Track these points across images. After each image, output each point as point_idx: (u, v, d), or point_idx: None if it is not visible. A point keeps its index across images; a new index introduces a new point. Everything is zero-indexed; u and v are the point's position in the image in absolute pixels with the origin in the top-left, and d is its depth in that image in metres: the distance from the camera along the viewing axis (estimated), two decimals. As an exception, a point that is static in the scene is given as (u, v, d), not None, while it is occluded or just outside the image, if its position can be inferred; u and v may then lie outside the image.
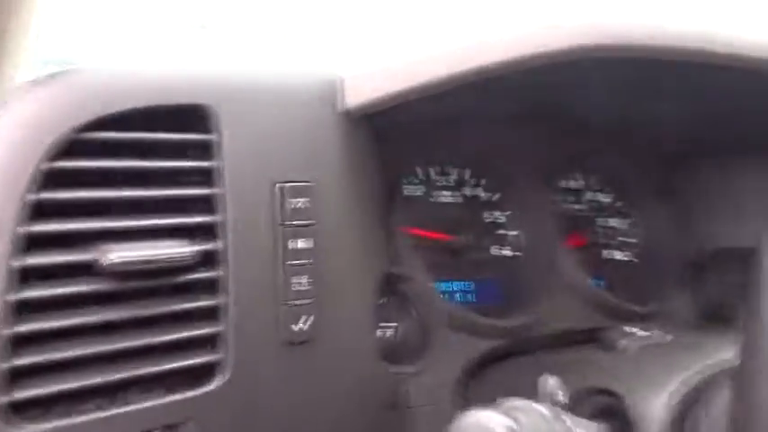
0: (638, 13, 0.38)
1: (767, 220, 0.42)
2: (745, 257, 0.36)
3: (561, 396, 0.34)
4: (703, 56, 0.36)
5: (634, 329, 0.43)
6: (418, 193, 0.50)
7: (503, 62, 0.37)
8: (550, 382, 0.35)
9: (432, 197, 0.50)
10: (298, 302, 0.38)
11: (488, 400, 0.32)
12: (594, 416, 0.37)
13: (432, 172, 0.50)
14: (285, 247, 0.38)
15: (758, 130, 0.45)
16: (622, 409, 0.36)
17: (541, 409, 0.31)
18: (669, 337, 0.42)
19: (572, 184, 0.52)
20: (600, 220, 0.52)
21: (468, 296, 0.49)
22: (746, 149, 0.50)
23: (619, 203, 0.53)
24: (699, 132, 0.49)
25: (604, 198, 0.53)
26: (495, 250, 0.50)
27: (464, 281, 0.49)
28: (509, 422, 0.29)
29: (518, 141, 0.49)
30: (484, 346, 0.44)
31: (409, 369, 0.42)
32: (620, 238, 0.52)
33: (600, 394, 0.38)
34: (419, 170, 0.50)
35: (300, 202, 0.38)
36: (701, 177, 0.52)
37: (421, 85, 0.39)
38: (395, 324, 0.42)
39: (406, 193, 0.49)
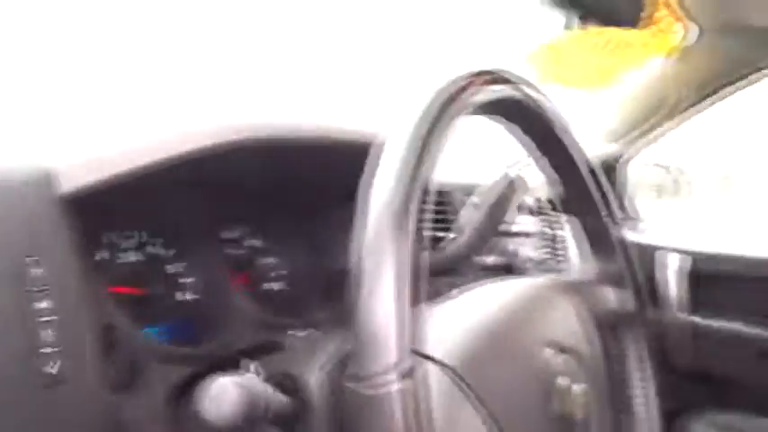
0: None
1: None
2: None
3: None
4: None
5: (296, 332, 0.58)
6: (108, 257, 0.58)
7: (178, 155, 0.50)
8: (251, 366, 0.47)
9: (119, 258, 0.58)
10: (47, 350, 0.44)
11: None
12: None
13: (115, 237, 0.59)
14: (31, 307, 0.44)
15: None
16: (299, 386, 0.49)
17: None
18: (321, 334, 0.59)
19: (233, 234, 0.66)
20: (258, 261, 0.67)
21: (167, 335, 0.58)
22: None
23: (268, 245, 0.69)
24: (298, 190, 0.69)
25: (257, 243, 0.68)
26: (179, 296, 0.61)
27: (161, 324, 0.58)
28: (236, 379, 0.41)
29: (186, 204, 0.61)
30: (184, 371, 0.54)
31: (127, 397, 0.50)
32: (274, 272, 0.68)
33: (283, 375, 0.51)
34: (107, 236, 0.58)
35: (39, 271, 0.44)
36: (324, 221, 0.72)
37: (125, 173, 0.49)
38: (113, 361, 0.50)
39: (98, 257, 0.57)
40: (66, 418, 0.45)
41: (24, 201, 0.46)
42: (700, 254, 1.54)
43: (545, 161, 0.64)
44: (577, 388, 0.48)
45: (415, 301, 0.35)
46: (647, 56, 1.43)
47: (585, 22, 0.90)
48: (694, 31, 1.31)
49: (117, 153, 0.50)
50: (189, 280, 0.62)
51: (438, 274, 0.70)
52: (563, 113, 0.60)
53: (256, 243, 0.67)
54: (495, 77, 0.49)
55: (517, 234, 0.93)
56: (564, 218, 1.06)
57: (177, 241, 0.61)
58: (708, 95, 1.45)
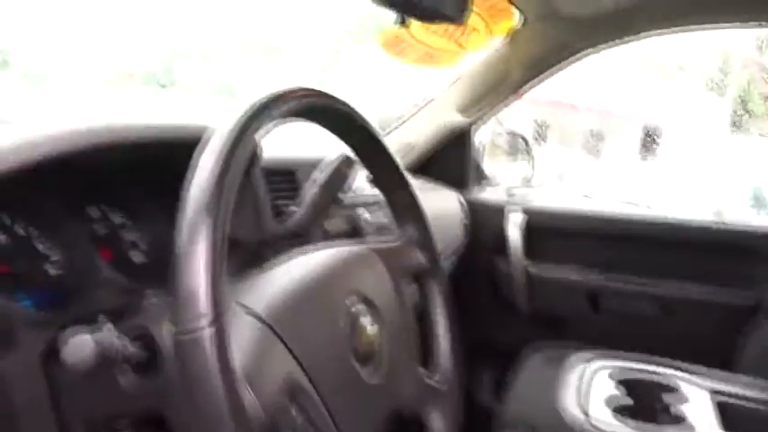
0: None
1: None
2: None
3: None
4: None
5: (154, 296, 0.68)
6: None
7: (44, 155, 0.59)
8: (107, 322, 0.56)
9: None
10: None
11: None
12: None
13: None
14: None
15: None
16: (152, 339, 0.57)
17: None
18: None
19: (98, 213, 0.75)
20: (121, 235, 0.76)
21: (39, 304, 0.66)
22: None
23: (130, 222, 0.78)
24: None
25: (120, 220, 0.77)
26: (50, 269, 0.69)
27: (34, 295, 0.66)
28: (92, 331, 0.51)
29: (53, 188, 0.69)
30: (53, 332, 0.62)
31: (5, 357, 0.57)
32: (136, 245, 0.77)
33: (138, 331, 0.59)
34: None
35: None
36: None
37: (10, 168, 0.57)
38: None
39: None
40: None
41: None
42: (533, 210, 1.76)
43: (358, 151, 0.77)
44: (373, 328, 0.62)
45: (226, 264, 0.47)
46: (490, 38, 1.60)
47: (404, 23, 1.03)
48: (521, 18, 1.49)
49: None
50: (56, 255, 0.70)
51: (284, 241, 0.82)
52: (360, 112, 0.72)
53: (119, 220, 0.77)
54: (301, 91, 0.61)
55: (357, 204, 1.07)
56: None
57: (45, 221, 0.69)
58: (538, 73, 1.65)
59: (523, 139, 2.08)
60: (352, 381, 0.58)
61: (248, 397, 0.46)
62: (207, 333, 0.43)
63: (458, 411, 0.76)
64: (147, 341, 0.55)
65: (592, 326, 1.76)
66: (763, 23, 1.58)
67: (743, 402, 0.95)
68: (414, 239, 0.78)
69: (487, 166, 1.97)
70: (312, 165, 0.93)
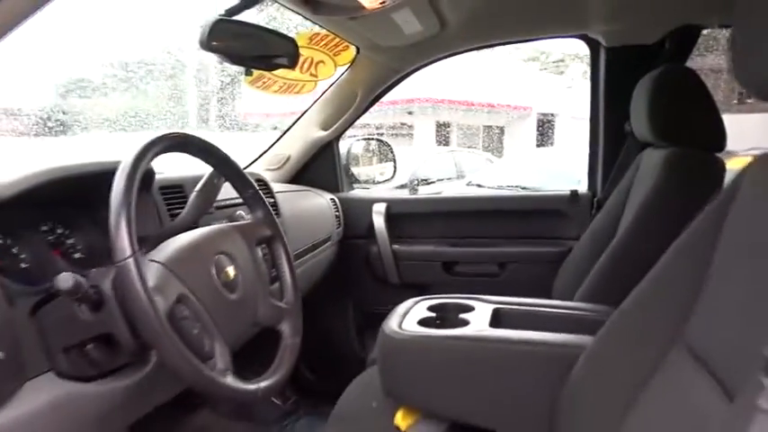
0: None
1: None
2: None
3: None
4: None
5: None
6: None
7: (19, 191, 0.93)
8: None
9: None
10: None
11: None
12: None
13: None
14: None
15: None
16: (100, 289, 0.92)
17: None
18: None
19: (48, 227, 1.09)
20: (64, 240, 1.10)
21: (23, 284, 0.97)
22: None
23: (69, 231, 1.12)
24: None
25: (62, 230, 1.11)
26: (22, 264, 1.01)
27: (19, 279, 0.97)
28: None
29: (20, 213, 1.02)
30: (34, 297, 0.94)
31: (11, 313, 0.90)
32: (75, 245, 1.11)
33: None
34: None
35: None
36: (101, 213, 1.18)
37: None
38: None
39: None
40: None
41: None
42: (393, 200, 2.19)
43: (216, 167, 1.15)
44: (232, 270, 1.00)
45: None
46: (336, 67, 2.02)
47: (249, 73, 1.41)
48: (355, 50, 1.91)
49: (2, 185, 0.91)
50: (25, 255, 1.03)
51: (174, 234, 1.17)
52: (213, 143, 1.10)
53: (61, 230, 1.11)
54: (174, 134, 0.99)
55: (235, 205, 1.44)
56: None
57: (17, 234, 1.01)
58: (378, 90, 2.08)
59: (387, 145, 2.51)
60: (220, 298, 0.96)
61: (156, 297, 0.83)
62: (131, 261, 0.80)
63: (299, 324, 1.15)
64: (96, 290, 0.90)
65: (448, 287, 2.18)
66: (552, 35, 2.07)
67: (512, 308, 1.39)
68: (260, 219, 1.17)
69: (360, 169, 2.39)
70: (195, 180, 1.31)
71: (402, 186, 3.70)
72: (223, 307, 0.96)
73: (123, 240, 0.80)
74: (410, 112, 14.29)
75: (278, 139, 2.15)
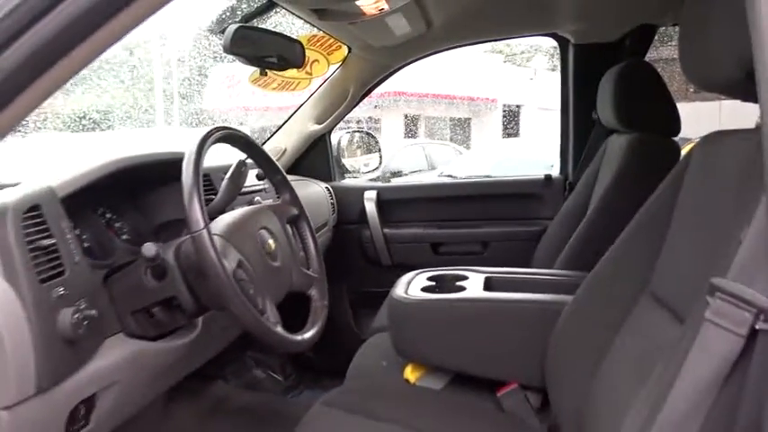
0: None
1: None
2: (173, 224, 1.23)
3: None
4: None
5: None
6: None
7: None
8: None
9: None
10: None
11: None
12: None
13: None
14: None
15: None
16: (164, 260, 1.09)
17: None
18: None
19: (102, 211, 1.24)
20: (113, 223, 1.25)
21: (95, 258, 1.12)
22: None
23: (117, 216, 1.27)
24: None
25: (111, 215, 1.26)
26: (85, 243, 1.15)
27: (92, 255, 1.12)
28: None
29: (85, 201, 1.16)
30: (104, 269, 1.10)
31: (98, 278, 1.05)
32: (123, 227, 1.27)
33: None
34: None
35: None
36: (146, 201, 1.33)
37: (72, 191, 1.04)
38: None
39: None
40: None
41: (47, 201, 0.98)
42: (383, 188, 2.37)
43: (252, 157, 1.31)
44: (272, 243, 1.17)
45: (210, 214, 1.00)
46: (329, 65, 2.19)
47: (264, 73, 1.58)
48: (347, 49, 2.09)
49: (71, 179, 1.05)
50: (87, 235, 1.17)
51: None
52: (250, 136, 1.27)
53: (110, 215, 1.26)
54: (221, 127, 1.16)
55: (253, 191, 1.61)
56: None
57: (80, 220, 1.16)
58: (368, 85, 2.26)
59: (372, 136, 2.69)
60: (266, 265, 1.13)
61: (224, 261, 1.00)
62: (204, 231, 0.97)
63: (326, 289, 1.33)
64: (160, 261, 1.06)
65: (436, 266, 2.39)
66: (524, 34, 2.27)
67: (501, 276, 1.58)
68: (288, 200, 1.34)
69: (348, 160, 2.56)
70: (219, 170, 1.47)
71: (375, 180, 3.91)
72: (268, 273, 1.13)
73: (197, 214, 0.96)
74: (376, 106, 14.44)
75: (274, 134, 2.31)
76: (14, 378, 0.81)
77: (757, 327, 0.64)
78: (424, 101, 15.02)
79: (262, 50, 1.50)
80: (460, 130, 16.68)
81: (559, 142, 2.32)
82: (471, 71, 14.91)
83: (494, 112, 16.61)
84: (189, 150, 1.04)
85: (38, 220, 0.91)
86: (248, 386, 2.13)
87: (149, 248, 0.99)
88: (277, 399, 2.15)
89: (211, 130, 1.11)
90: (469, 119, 16.87)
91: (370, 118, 14.81)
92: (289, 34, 2.09)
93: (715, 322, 0.69)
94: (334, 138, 2.44)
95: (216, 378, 2.00)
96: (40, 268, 0.87)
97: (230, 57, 1.43)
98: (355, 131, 2.60)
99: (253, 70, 1.92)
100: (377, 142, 2.64)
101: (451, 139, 15.37)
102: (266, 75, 1.59)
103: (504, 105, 16.60)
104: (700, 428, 0.69)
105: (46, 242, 0.90)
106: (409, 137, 14.97)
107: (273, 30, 1.58)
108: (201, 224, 0.96)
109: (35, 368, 0.83)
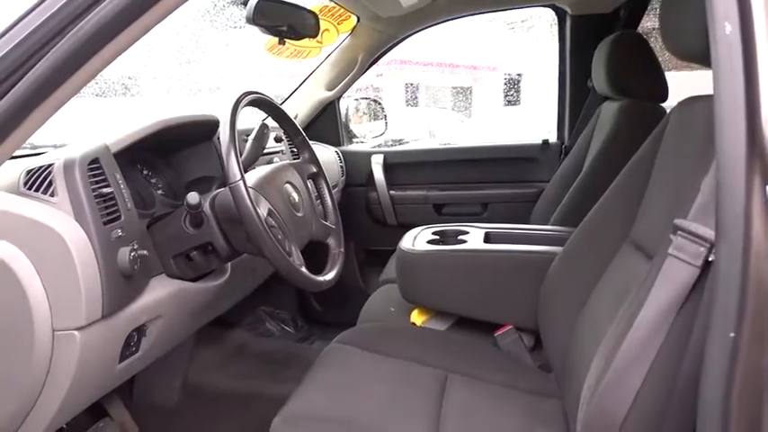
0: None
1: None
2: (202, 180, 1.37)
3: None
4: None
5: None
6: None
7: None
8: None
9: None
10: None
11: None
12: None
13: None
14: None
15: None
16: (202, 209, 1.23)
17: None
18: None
19: (142, 168, 1.37)
20: (150, 178, 1.39)
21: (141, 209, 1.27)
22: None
23: (153, 173, 1.41)
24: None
25: (148, 172, 1.40)
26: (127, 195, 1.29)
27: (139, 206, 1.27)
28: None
29: (129, 159, 1.29)
30: (149, 217, 1.24)
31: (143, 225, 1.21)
32: (159, 183, 1.41)
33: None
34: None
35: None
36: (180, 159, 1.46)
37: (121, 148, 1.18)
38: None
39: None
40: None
41: (104, 155, 1.09)
42: (389, 152, 2.50)
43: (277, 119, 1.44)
44: (296, 196, 1.31)
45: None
46: (339, 34, 2.31)
47: (282, 42, 1.70)
48: (356, 19, 2.20)
49: (122, 137, 1.18)
50: (129, 190, 1.30)
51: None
52: (274, 99, 1.40)
53: (147, 171, 1.39)
54: (251, 92, 1.29)
55: (272, 152, 1.75)
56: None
57: (126, 175, 1.28)
58: (375, 54, 2.37)
59: (378, 103, 2.81)
60: (291, 214, 1.27)
61: (258, 208, 1.13)
62: (240, 182, 1.10)
63: (342, 238, 1.47)
64: (199, 210, 1.20)
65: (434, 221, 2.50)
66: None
67: (500, 231, 1.73)
68: (307, 159, 1.48)
69: (355, 126, 2.68)
70: (242, 132, 1.61)
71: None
72: (293, 221, 1.27)
73: (234, 168, 1.10)
74: (378, 74, 14.43)
75: (286, 99, 2.43)
76: (85, 304, 0.95)
77: (710, 259, 0.78)
78: (426, 69, 15.00)
79: (280, 21, 1.63)
80: (462, 98, 16.67)
81: (557, 109, 2.44)
82: (473, 39, 14.85)
83: (495, 80, 16.56)
84: (225, 112, 1.17)
85: (98, 171, 1.04)
86: (262, 335, 2.30)
87: (194, 197, 1.13)
88: (293, 345, 2.31)
89: (243, 95, 1.24)
90: (471, 87, 16.84)
91: (371, 86, 14.80)
92: (301, 4, 2.21)
93: (676, 256, 0.83)
94: (342, 104, 2.56)
95: (235, 326, 2.17)
96: (102, 212, 1.01)
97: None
98: (363, 98, 2.71)
99: (268, 38, 2.03)
100: (383, 109, 2.76)
101: (453, 108, 15.37)
102: (284, 44, 1.71)
103: (505, 74, 16.55)
104: (659, 348, 0.83)
105: (105, 190, 1.04)
106: (411, 105, 14.99)
107: (290, 1, 1.69)
108: (239, 176, 1.09)
109: (101, 296, 0.97)
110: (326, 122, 2.50)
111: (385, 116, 2.76)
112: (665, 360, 0.84)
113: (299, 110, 2.42)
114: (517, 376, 1.36)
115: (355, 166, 2.50)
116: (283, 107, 2.42)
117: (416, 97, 15.68)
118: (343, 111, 2.57)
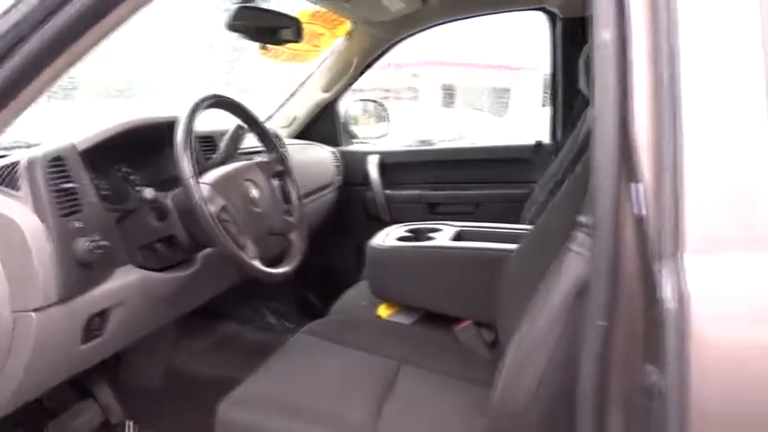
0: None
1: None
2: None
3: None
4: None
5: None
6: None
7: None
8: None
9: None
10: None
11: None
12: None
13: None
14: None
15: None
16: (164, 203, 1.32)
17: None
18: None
19: (119, 167, 1.48)
20: (129, 176, 1.49)
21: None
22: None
23: (132, 170, 1.51)
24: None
25: (127, 169, 1.50)
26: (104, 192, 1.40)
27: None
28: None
29: (106, 157, 1.40)
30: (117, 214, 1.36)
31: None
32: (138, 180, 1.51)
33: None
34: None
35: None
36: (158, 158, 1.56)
37: (92, 146, 1.29)
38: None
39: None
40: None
41: (68, 153, 1.21)
42: (386, 153, 2.57)
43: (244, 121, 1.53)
44: (256, 192, 1.39)
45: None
46: (334, 39, 2.38)
47: (264, 47, 1.78)
48: (351, 23, 2.28)
49: (90, 136, 1.28)
50: (107, 186, 1.40)
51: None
52: (242, 102, 1.48)
53: (127, 169, 1.50)
54: (213, 95, 1.37)
55: (248, 151, 1.84)
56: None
57: (101, 173, 1.39)
58: (370, 58, 2.44)
59: (382, 106, 2.88)
60: (248, 210, 1.35)
61: (208, 205, 1.22)
62: (192, 180, 1.19)
63: (304, 233, 1.55)
64: (163, 205, 1.29)
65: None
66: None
67: (472, 229, 1.78)
68: (274, 158, 1.56)
69: (359, 128, 2.76)
70: (221, 133, 1.70)
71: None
72: (250, 216, 1.36)
73: (185, 167, 1.19)
74: (415, 75, 14.49)
75: (285, 102, 2.53)
76: (41, 287, 1.05)
77: (596, 251, 0.83)
78: (463, 70, 14.98)
79: (260, 27, 1.71)
80: (499, 99, 16.57)
81: (550, 111, 2.47)
82: (515, 38, 14.75)
83: (535, 80, 16.42)
84: (181, 114, 1.26)
85: (61, 168, 1.14)
86: (261, 329, 2.39)
87: (150, 192, 1.23)
88: (284, 339, 2.40)
89: (204, 98, 1.33)
90: (509, 88, 16.73)
91: (410, 88, 14.88)
92: (297, 10, 2.29)
93: (574, 250, 0.88)
94: (342, 106, 2.64)
95: (226, 318, 2.27)
96: (62, 205, 1.11)
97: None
98: (367, 100, 2.78)
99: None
100: (386, 111, 2.83)
101: (490, 109, 15.31)
102: (266, 49, 1.79)
103: (545, 74, 16.37)
104: (560, 332, 0.89)
105: (67, 185, 1.13)
106: (447, 107, 15.00)
107: (273, 8, 1.77)
108: (188, 174, 1.18)
109: (56, 280, 1.07)
110: (324, 123, 2.58)
111: (388, 118, 2.83)
112: (565, 348, 0.89)
113: (297, 111, 2.51)
114: (470, 369, 1.41)
115: (352, 165, 2.58)
116: (282, 109, 2.56)
117: (453, 98, 15.68)
118: (342, 112, 2.64)
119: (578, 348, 0.87)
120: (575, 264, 0.87)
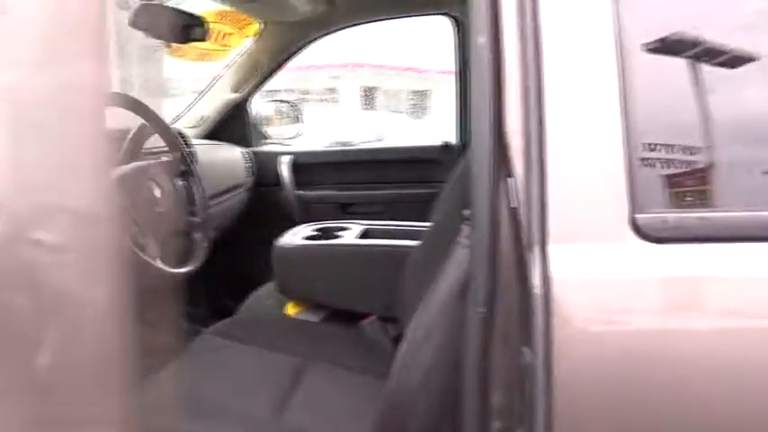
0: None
1: None
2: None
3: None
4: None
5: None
6: None
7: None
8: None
9: None
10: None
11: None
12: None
13: None
14: None
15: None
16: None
17: None
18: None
19: None
20: None
21: None
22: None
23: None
24: None
25: None
26: None
27: None
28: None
29: None
30: None
31: None
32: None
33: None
34: None
35: None
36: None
37: None
38: None
39: None
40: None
41: None
42: (297, 153, 2.59)
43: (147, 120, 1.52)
44: (158, 191, 1.39)
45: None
46: (243, 38, 2.38)
47: (168, 45, 1.77)
48: (260, 23, 2.28)
49: None
50: None
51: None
52: (145, 103, 1.47)
53: None
54: (115, 93, 1.36)
55: (155, 151, 1.82)
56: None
57: None
58: (278, 59, 2.45)
59: (295, 106, 2.89)
60: (150, 210, 1.35)
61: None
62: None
63: (208, 233, 1.55)
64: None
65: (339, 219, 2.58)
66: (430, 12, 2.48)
67: (378, 227, 1.83)
68: (178, 158, 1.56)
69: (271, 129, 2.76)
70: (126, 131, 1.68)
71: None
72: (152, 216, 1.35)
73: None
74: (335, 77, 14.51)
75: (194, 102, 2.50)
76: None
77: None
78: (384, 73, 15.11)
79: (165, 25, 1.69)
80: (420, 102, 16.79)
81: (457, 112, 2.55)
82: (434, 43, 14.98)
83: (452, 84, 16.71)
84: None
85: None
86: (170, 332, 2.35)
87: None
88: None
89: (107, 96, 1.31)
90: (428, 91, 16.98)
91: (329, 89, 14.87)
92: (202, 9, 2.28)
93: (462, 243, 0.93)
94: (253, 106, 2.63)
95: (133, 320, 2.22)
96: None
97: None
98: (279, 101, 2.79)
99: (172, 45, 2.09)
100: (300, 112, 2.84)
101: (411, 112, 15.48)
102: (170, 47, 1.78)
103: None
104: (448, 321, 0.93)
105: None
106: (368, 108, 15.09)
107: (178, 7, 1.76)
108: None
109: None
110: (235, 123, 2.57)
111: (301, 119, 2.84)
112: (453, 337, 0.93)
113: (207, 111, 2.49)
114: (372, 362, 1.45)
115: (266, 166, 2.57)
116: (191, 109, 2.53)
117: (373, 100, 15.79)
118: (253, 112, 2.64)
119: (464, 336, 0.92)
120: (463, 256, 0.92)
